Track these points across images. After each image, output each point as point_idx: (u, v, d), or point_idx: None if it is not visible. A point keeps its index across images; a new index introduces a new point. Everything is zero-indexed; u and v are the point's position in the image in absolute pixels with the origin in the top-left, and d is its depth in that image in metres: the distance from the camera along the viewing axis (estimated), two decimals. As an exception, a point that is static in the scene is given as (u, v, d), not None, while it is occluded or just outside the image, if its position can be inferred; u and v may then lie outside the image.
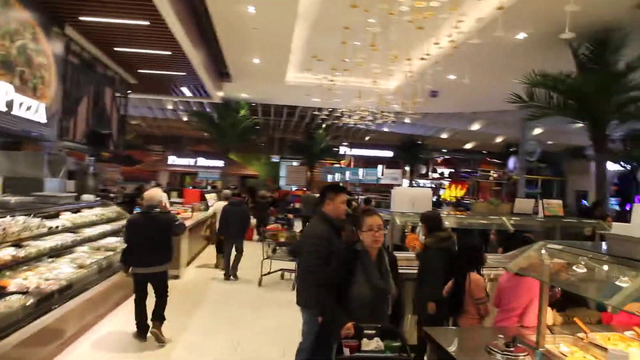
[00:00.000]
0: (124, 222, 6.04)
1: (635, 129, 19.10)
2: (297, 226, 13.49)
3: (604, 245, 2.38)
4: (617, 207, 21.79)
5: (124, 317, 5.54)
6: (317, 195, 4.97)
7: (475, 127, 21.54)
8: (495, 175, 26.93)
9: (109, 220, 6.63)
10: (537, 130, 20.75)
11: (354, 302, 2.92)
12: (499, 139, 25.35)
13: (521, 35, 9.29)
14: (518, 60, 10.23)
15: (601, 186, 9.60)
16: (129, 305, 5.23)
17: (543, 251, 2.66)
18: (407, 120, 19.09)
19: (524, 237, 4.00)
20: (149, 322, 4.97)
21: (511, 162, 23.04)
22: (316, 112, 17.93)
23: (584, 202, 21.72)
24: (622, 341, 3.02)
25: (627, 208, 22.23)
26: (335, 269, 3.04)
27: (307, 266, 3.62)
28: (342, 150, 29.33)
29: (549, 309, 3.69)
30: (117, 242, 6.17)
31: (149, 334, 4.93)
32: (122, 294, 5.97)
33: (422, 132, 24.63)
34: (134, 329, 5.01)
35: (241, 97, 20.05)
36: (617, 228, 2.21)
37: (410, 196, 5.50)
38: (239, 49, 12.29)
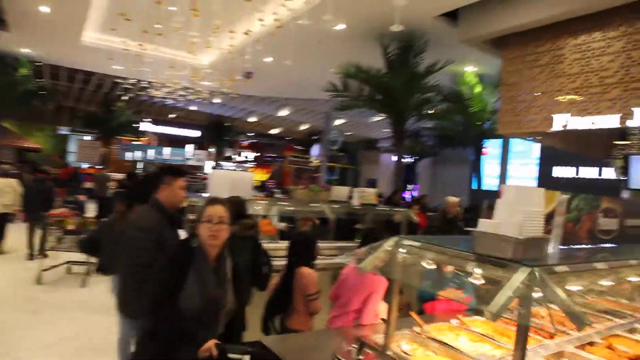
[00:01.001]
0: None
1: (419, 127, 22.07)
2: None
3: (463, 242, 2.28)
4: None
5: None
6: (113, 174, 4.04)
7: (284, 113, 21.98)
8: (299, 161, 28.18)
9: None
10: (339, 121, 22.30)
11: (182, 313, 2.31)
12: (304, 127, 26.50)
13: (340, 26, 9.53)
14: (335, 50, 10.53)
15: (399, 175, 10.58)
16: None
17: (400, 249, 2.47)
18: (216, 100, 18.37)
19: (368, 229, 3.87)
20: None
21: (315, 150, 24.31)
22: (118, 81, 15.78)
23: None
24: (450, 331, 3.08)
25: (404, 195, 25.88)
26: (164, 269, 2.38)
27: (129, 265, 2.86)
28: (144, 126, 26.87)
29: (382, 302, 3.67)
30: None
31: None
32: None
33: (231, 113, 24.12)
34: None
35: (22, 53, 16.31)
36: (484, 225, 2.09)
37: (230, 180, 4.98)
38: (21, -11, 9.87)
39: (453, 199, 6.40)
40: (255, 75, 13.80)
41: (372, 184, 29.61)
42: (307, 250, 3.66)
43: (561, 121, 7.50)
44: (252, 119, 25.06)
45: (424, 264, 2.39)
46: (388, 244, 2.60)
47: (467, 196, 19.56)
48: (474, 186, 23.17)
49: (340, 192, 6.05)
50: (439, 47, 9.58)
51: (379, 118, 20.73)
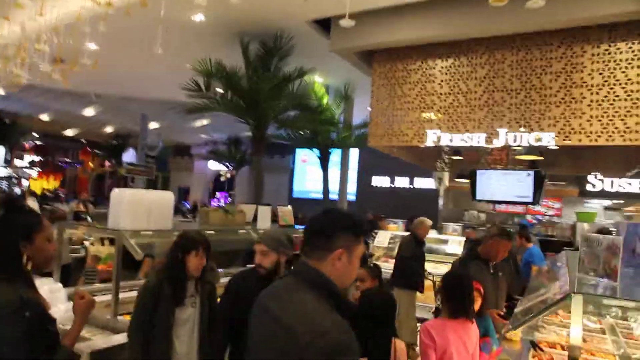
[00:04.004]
0: None
1: (241, 134, 21.47)
2: None
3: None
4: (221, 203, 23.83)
5: None
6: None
7: (90, 112, 18.82)
8: (102, 167, 24.57)
9: None
10: (155, 125, 20.18)
11: None
12: (109, 129, 23.20)
13: (198, 17, 8.29)
14: (189, 44, 9.20)
15: (259, 186, 9.76)
16: None
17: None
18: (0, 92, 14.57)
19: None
20: None
21: (128, 155, 21.50)
22: None
23: (186, 203, 22.46)
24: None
25: (212, 202, 24.99)
26: None
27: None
28: None
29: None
30: None
31: None
32: None
33: (19, 108, 19.53)
34: None
35: None
36: None
37: (145, 204, 3.58)
38: None
39: (426, 221, 6.05)
40: (68, 64, 11.26)
41: (184, 192, 27.82)
42: (389, 314, 2.83)
43: (433, 137, 7.87)
44: (45, 117, 20.72)
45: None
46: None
47: (287, 203, 19.78)
48: (294, 195, 23.78)
49: (249, 211, 5.06)
50: (303, 53, 9.20)
51: (203, 123, 19.46)
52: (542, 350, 2.83)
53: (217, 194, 27.39)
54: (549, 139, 6.85)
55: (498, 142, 7.32)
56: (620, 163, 9.73)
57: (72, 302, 2.03)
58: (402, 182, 19.02)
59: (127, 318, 3.26)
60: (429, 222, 6.45)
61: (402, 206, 16.76)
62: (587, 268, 2.04)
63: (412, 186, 18.77)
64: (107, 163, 24.41)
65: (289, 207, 5.40)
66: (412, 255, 6.31)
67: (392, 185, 19.22)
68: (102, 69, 11.60)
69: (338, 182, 13.27)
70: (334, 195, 13.49)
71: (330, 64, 9.68)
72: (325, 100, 11.62)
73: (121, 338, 3.00)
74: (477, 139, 7.50)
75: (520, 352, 2.86)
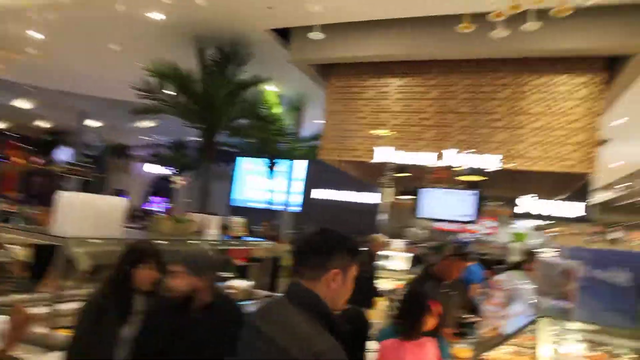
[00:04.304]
0: None
1: (187, 139, 20.93)
2: None
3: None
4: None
5: None
6: None
7: (22, 103, 17.59)
8: (31, 163, 22.92)
9: None
10: (93, 123, 19.22)
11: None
12: (43, 123, 21.77)
13: (157, 16, 8.02)
14: (145, 44, 8.85)
15: (205, 192, 9.50)
16: None
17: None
18: None
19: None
20: None
21: (61, 153, 20.28)
22: None
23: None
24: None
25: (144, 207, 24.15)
26: None
27: None
28: None
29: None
30: None
31: None
32: None
33: None
34: None
35: None
36: None
37: (94, 209, 3.36)
38: None
39: (379, 237, 6.04)
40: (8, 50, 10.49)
41: (120, 194, 26.60)
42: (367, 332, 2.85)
43: (384, 154, 8.03)
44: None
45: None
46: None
47: (227, 211, 19.46)
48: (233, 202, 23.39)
49: (214, 222, 4.89)
50: (258, 61, 9.12)
51: (147, 125, 18.78)
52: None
53: (150, 199, 26.53)
54: (494, 162, 7.20)
55: (446, 162, 7.60)
56: (551, 187, 10.39)
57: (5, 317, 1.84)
58: (346, 196, 19.26)
59: (64, 333, 3.00)
60: (382, 237, 6.55)
61: (346, 220, 16.97)
62: (544, 291, 2.15)
63: (356, 201, 19.05)
64: (36, 159, 22.87)
65: (241, 218, 5.29)
66: (370, 274, 6.35)
67: (337, 199, 19.42)
68: (44, 60, 10.98)
69: (284, 192, 13.23)
70: (279, 206, 13.41)
71: (284, 74, 9.68)
72: (277, 110, 11.58)
73: (55, 357, 2.74)
74: (426, 158, 7.75)
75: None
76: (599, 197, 13.84)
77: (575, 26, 5.99)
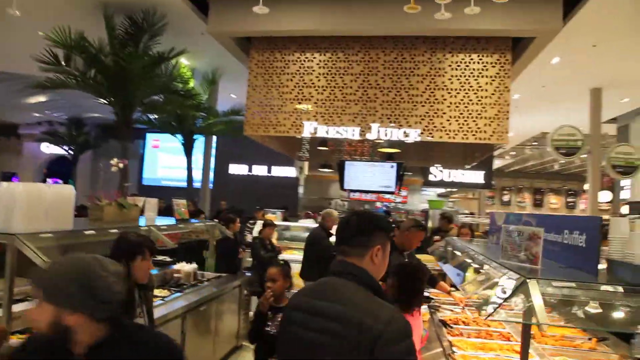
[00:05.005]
0: None
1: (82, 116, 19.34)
2: None
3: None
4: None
5: None
6: None
7: None
8: None
9: None
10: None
11: None
12: None
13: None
14: (37, 9, 7.90)
15: (125, 174, 8.89)
16: None
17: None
18: None
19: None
20: None
21: None
22: None
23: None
24: None
25: None
26: None
27: None
28: None
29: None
30: None
31: None
32: None
33: None
34: None
35: None
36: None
37: (43, 201, 2.99)
38: None
39: (333, 212, 5.95)
40: None
41: (7, 178, 24.05)
42: None
43: (310, 129, 8.09)
44: None
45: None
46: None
47: (138, 191, 18.49)
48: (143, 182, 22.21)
49: (152, 204, 4.62)
50: (171, 32, 8.60)
51: (39, 100, 17.04)
52: (451, 327, 3.20)
53: (49, 181, 24.32)
54: (415, 135, 7.59)
55: (370, 136, 7.86)
56: (459, 157, 11.21)
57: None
58: (260, 170, 19.17)
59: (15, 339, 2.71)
60: (336, 212, 6.47)
61: (261, 195, 16.92)
62: (510, 255, 2.37)
63: (270, 174, 19.04)
64: None
65: (183, 200, 5.07)
66: (330, 250, 6.23)
67: (250, 174, 19.26)
68: None
69: (198, 169, 12.80)
70: (195, 184, 12.95)
71: (199, 46, 9.26)
72: (191, 84, 11.09)
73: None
74: (351, 132, 7.94)
75: (436, 331, 3.18)
76: (494, 165, 15.20)
77: (485, 8, 6.35)
